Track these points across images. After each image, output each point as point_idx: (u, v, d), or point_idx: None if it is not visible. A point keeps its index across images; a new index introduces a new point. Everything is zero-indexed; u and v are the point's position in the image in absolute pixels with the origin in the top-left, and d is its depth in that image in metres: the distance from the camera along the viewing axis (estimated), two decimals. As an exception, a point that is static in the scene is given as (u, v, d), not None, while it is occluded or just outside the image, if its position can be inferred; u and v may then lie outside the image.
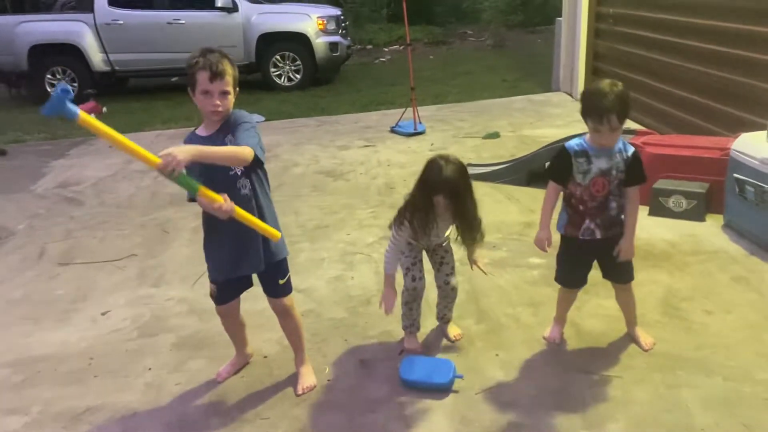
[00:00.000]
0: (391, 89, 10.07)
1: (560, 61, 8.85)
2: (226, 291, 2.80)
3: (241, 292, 2.86)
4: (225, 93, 2.50)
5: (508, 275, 3.74)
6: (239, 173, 2.56)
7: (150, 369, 3.08)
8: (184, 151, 2.19)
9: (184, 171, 2.23)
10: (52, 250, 4.62)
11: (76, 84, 10.28)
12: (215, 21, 10.28)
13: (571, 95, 8.50)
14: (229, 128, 2.54)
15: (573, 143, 2.72)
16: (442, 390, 2.77)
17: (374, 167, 6.10)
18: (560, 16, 8.91)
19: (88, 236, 4.82)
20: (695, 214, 4.33)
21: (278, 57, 10.51)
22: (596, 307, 3.35)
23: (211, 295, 2.83)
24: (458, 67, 11.99)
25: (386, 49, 15.36)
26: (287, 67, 10.60)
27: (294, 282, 3.80)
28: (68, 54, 10.20)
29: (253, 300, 3.66)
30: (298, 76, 10.63)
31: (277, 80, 10.59)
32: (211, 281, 2.77)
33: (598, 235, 2.76)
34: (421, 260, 2.97)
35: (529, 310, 3.39)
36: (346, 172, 6.03)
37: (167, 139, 7.78)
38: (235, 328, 3.00)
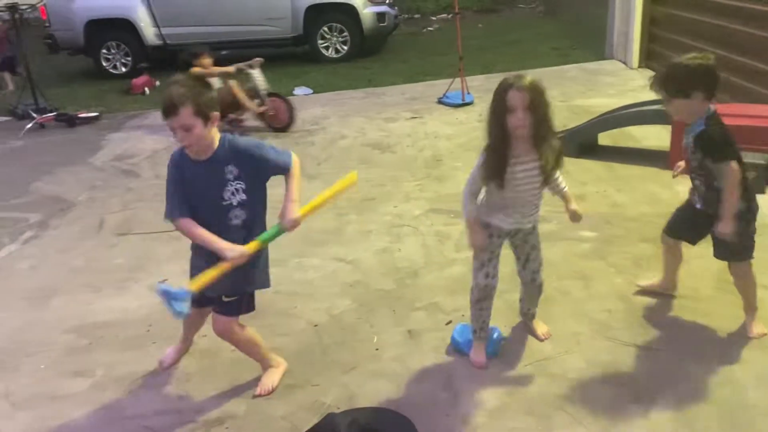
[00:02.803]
0: (439, 59, 9.95)
1: (614, 28, 8.56)
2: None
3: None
4: (185, 127, 2.35)
5: (557, 248, 3.70)
6: (234, 203, 2.51)
7: (205, 336, 3.18)
8: (297, 211, 2.54)
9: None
10: (111, 220, 4.79)
11: (130, 58, 10.52)
12: (264, -7, 10.31)
13: (625, 63, 8.24)
14: (226, 157, 2.47)
15: None
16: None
17: (421, 139, 6.07)
18: (615, -19, 8.59)
19: (145, 207, 4.98)
20: (755, 187, 4.17)
21: (326, 29, 10.49)
22: (648, 281, 3.29)
23: None
24: (508, 36, 11.74)
25: (434, 18, 15.15)
26: (334, 39, 10.58)
27: (341, 253, 3.92)
28: (122, 29, 10.42)
29: (303, 270, 3.76)
30: (345, 48, 10.60)
31: (324, 52, 10.59)
32: None
33: (698, 204, 2.82)
34: (498, 256, 2.71)
35: (578, 283, 3.35)
36: (392, 144, 6.03)
37: (218, 112, 7.90)
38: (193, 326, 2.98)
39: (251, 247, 2.49)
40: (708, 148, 2.60)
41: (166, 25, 10.45)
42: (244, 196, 2.52)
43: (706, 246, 3.55)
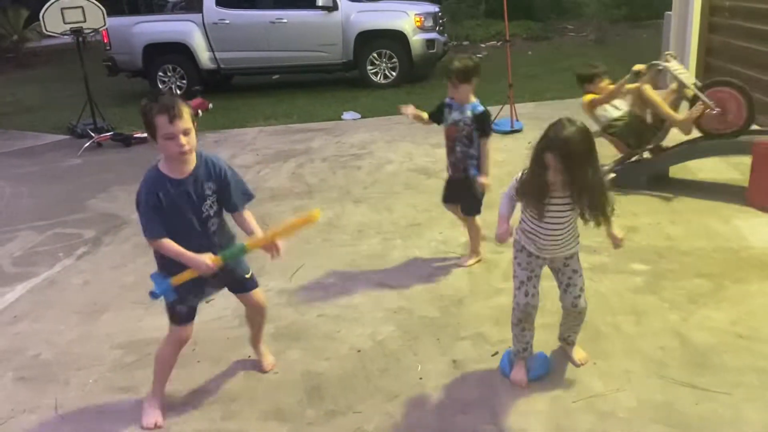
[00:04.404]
0: (488, 86, 9.86)
1: (668, 57, 8.40)
2: (192, 311, 2.85)
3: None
4: (188, 131, 2.48)
5: (608, 281, 3.61)
6: (212, 214, 2.67)
7: (249, 357, 3.20)
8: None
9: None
10: (161, 239, 4.88)
11: (185, 81, 10.84)
12: (316, 20, 10.52)
13: (679, 93, 8.05)
14: (206, 174, 2.62)
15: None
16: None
17: (469, 165, 6.04)
18: (669, 10, 8.47)
19: (194, 227, 5.06)
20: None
21: (375, 54, 10.62)
22: (704, 319, 3.17)
23: (175, 317, 2.81)
24: (558, 63, 11.64)
25: (483, 45, 15.16)
26: (384, 65, 10.69)
27: (385, 279, 3.90)
28: (178, 52, 10.76)
29: (347, 295, 3.75)
30: (394, 74, 10.69)
31: (373, 78, 10.70)
32: (179, 304, 2.76)
33: (449, 172, 3.92)
34: (538, 276, 2.72)
35: (631, 318, 3.25)
36: (439, 170, 5.99)
37: (268, 135, 8.06)
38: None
39: (218, 261, 2.61)
40: (483, 124, 3.67)
41: (220, 49, 10.74)
42: (216, 206, 2.69)
43: (767, 284, 3.42)
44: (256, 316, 3.04)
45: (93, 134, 8.02)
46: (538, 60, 12.32)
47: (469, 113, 3.67)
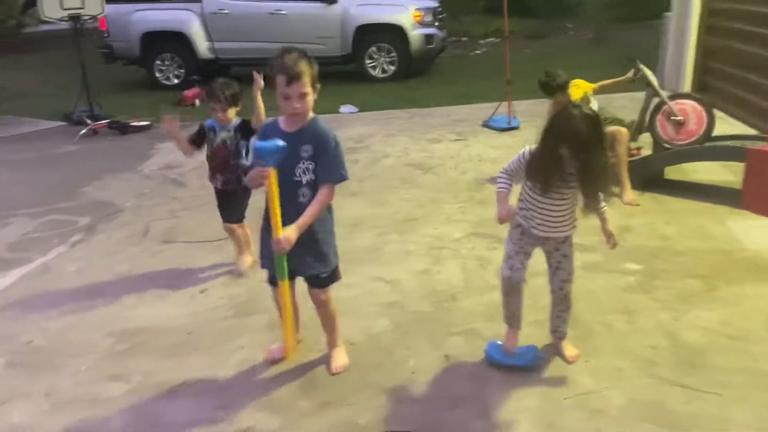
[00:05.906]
0: (485, 83, 9.93)
1: (666, 58, 8.43)
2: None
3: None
4: (303, 95, 2.53)
5: (601, 280, 3.63)
6: (304, 182, 2.63)
7: (243, 347, 3.21)
8: (293, 238, 2.56)
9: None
10: (156, 228, 4.89)
11: (182, 70, 10.79)
12: (315, 12, 10.50)
13: (676, 94, 8.08)
14: (309, 136, 2.63)
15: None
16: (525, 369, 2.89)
17: (464, 162, 6.05)
18: (668, 11, 8.48)
19: (190, 217, 5.06)
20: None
21: (374, 48, 10.60)
22: (696, 319, 3.20)
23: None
24: (557, 62, 11.54)
25: (482, 42, 15.16)
26: (382, 59, 10.68)
27: (380, 273, 3.91)
28: (177, 41, 10.73)
29: (342, 288, 3.75)
30: (392, 68, 10.68)
31: (371, 71, 10.69)
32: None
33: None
34: (527, 254, 2.77)
35: (622, 317, 3.27)
36: (435, 165, 6.02)
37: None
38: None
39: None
40: (245, 128, 3.92)
41: (218, 39, 10.71)
42: (312, 176, 2.64)
43: (759, 286, 3.45)
44: (321, 317, 3.00)
45: (89, 121, 7.99)
46: (537, 58, 12.30)
47: (232, 129, 3.91)
